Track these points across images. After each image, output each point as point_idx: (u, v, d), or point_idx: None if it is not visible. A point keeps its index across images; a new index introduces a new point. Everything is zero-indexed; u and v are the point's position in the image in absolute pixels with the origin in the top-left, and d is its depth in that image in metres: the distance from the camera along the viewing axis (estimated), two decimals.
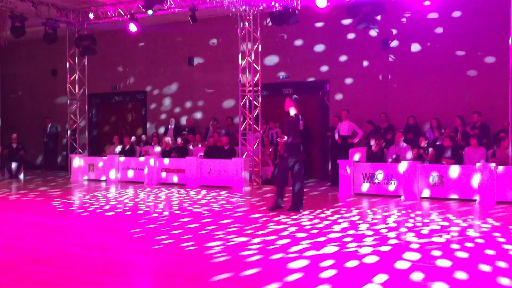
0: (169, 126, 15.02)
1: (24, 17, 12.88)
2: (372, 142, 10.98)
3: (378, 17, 10.95)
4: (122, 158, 13.54)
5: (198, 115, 15.37)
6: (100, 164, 13.86)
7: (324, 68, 13.67)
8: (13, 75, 18.68)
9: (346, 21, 13.13)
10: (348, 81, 13.43)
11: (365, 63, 13.19)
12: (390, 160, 10.68)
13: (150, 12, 12.08)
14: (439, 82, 12.38)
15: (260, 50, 12.14)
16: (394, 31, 12.81)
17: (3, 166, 14.69)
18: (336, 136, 12.48)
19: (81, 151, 14.71)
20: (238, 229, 6.68)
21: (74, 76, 14.66)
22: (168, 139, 13.62)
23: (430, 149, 10.50)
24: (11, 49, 17.02)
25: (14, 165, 14.58)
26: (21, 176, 14.58)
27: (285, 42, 14.05)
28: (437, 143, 10.94)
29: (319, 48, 13.70)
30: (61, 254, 5.33)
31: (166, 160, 12.84)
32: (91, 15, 13.88)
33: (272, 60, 14.12)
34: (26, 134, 17.48)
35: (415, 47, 12.63)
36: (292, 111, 7.89)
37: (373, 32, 12.85)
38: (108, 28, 15.04)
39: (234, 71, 13.61)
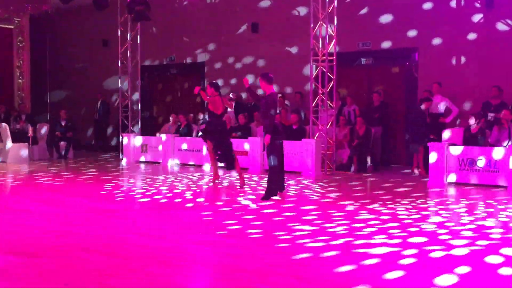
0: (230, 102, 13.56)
1: None
2: (472, 122, 9.65)
3: None
4: (177, 139, 12.51)
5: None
6: (154, 144, 12.88)
7: (412, 34, 11.61)
8: (62, 46, 17.79)
9: None
10: (442, 48, 11.36)
11: (463, 27, 11.05)
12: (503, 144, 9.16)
13: None
14: None
15: (336, 13, 10.52)
16: None
17: (52, 145, 13.78)
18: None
19: (133, 130, 13.63)
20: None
21: (125, 45, 13.56)
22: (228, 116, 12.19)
23: None
24: (59, 18, 16.37)
25: (62, 143, 13.65)
26: (69, 156, 13.68)
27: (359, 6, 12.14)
28: None
29: (402, 12, 11.67)
30: (116, 242, 5.01)
31: None
32: None
33: (345, 26, 12.10)
34: (76, 110, 16.74)
35: None
36: (268, 90, 7.48)
37: None
38: None
39: (303, 38, 11.89)
